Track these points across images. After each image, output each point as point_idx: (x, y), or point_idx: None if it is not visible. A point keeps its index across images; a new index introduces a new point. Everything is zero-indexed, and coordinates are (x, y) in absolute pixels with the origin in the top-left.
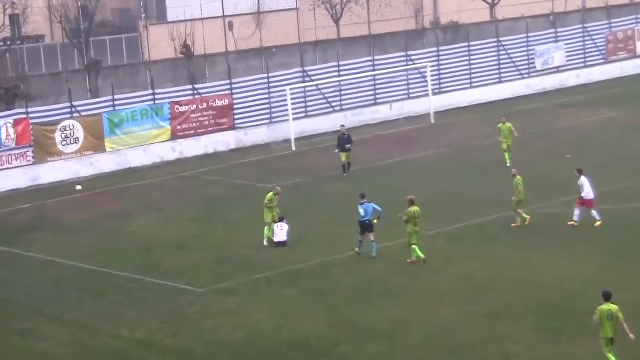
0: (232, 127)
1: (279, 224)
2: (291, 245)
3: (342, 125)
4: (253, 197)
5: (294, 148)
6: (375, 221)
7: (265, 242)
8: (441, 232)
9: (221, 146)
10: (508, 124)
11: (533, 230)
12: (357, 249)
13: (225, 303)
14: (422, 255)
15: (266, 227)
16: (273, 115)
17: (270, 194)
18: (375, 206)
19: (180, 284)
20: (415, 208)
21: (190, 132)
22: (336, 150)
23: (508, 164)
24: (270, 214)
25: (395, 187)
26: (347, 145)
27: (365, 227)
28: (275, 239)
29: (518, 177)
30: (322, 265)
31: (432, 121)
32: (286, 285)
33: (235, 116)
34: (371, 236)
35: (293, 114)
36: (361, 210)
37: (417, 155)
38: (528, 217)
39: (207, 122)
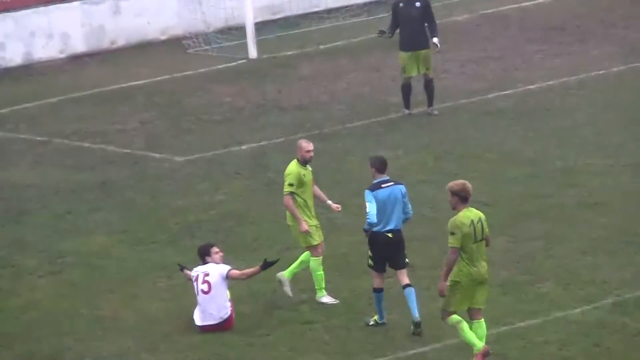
0: None
1: (200, 271)
2: (241, 328)
3: None
4: (141, 186)
5: (253, 53)
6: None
7: (288, 291)
8: None
9: (44, 47)
10: None
11: None
12: (372, 320)
13: None
14: (477, 344)
15: (301, 260)
16: None
17: (294, 167)
18: (406, 200)
19: None
20: (474, 214)
21: None
22: (387, 34)
23: None
24: (308, 216)
25: (527, 154)
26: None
27: (391, 250)
28: (200, 321)
29: None
30: None
31: None
32: None
33: None
34: (405, 276)
35: None
36: (376, 204)
37: (598, 72)
38: None
39: None
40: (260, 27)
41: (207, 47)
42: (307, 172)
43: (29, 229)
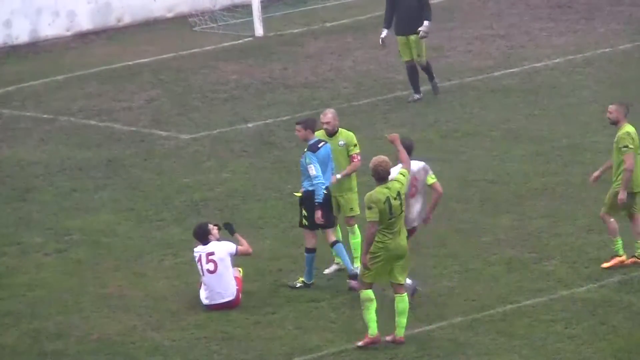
0: None
1: (202, 251)
2: (247, 306)
3: None
4: (147, 164)
5: (259, 30)
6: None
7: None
8: None
9: (50, 24)
10: None
11: None
12: (301, 280)
13: None
14: (373, 328)
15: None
16: None
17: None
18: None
19: None
20: (391, 190)
21: None
22: (383, 35)
23: None
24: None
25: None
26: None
27: (326, 207)
28: (208, 301)
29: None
30: None
31: None
32: None
33: None
34: (333, 234)
35: None
36: (312, 166)
37: (604, 49)
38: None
39: None
40: (266, 4)
41: (213, 25)
42: (327, 142)
43: (35, 206)
